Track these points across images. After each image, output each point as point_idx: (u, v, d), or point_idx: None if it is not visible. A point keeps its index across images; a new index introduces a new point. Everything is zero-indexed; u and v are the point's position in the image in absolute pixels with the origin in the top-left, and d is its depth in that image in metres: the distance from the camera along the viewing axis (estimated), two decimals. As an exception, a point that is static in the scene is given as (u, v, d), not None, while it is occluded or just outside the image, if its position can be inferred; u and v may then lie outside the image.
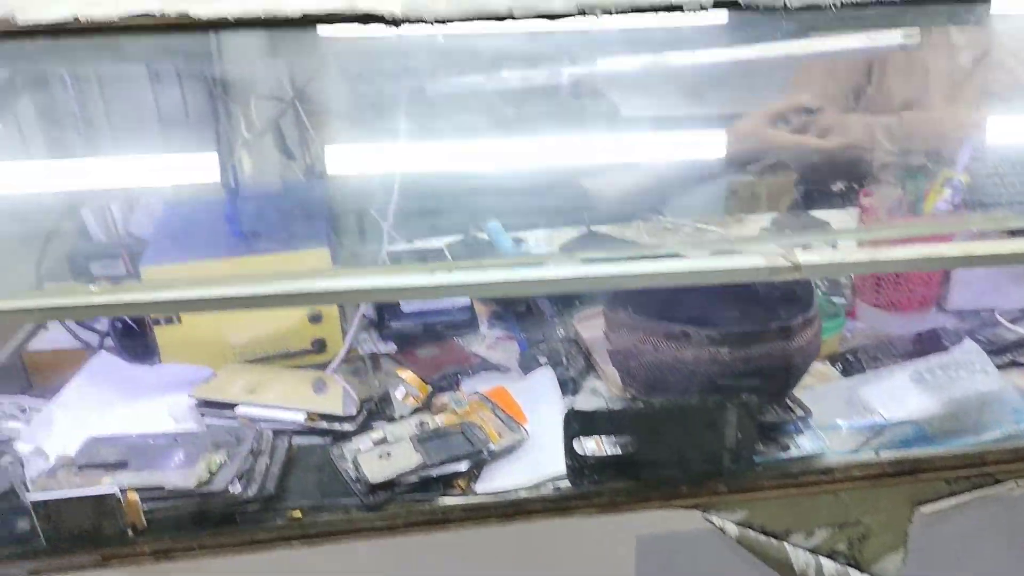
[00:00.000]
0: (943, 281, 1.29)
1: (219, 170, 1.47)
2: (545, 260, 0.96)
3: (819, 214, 1.71)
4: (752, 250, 0.96)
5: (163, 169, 1.39)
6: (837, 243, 1.06)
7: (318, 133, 1.57)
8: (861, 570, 1.02)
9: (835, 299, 1.24)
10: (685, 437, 0.94)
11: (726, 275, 0.92)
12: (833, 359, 1.18)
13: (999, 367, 1.15)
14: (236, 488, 0.95)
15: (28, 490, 0.95)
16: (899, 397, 1.04)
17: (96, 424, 1.08)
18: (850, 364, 1.16)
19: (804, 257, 0.90)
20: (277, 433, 1.06)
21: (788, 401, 1.03)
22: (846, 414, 1.04)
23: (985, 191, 1.21)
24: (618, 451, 1.01)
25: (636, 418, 0.95)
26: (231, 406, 1.11)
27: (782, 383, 1.00)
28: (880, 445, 1.00)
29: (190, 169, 1.43)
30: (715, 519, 0.98)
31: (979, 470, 1.02)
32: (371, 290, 0.95)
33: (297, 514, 0.97)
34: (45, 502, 0.92)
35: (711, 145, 1.59)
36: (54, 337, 1.28)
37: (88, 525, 0.93)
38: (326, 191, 1.50)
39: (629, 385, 1.07)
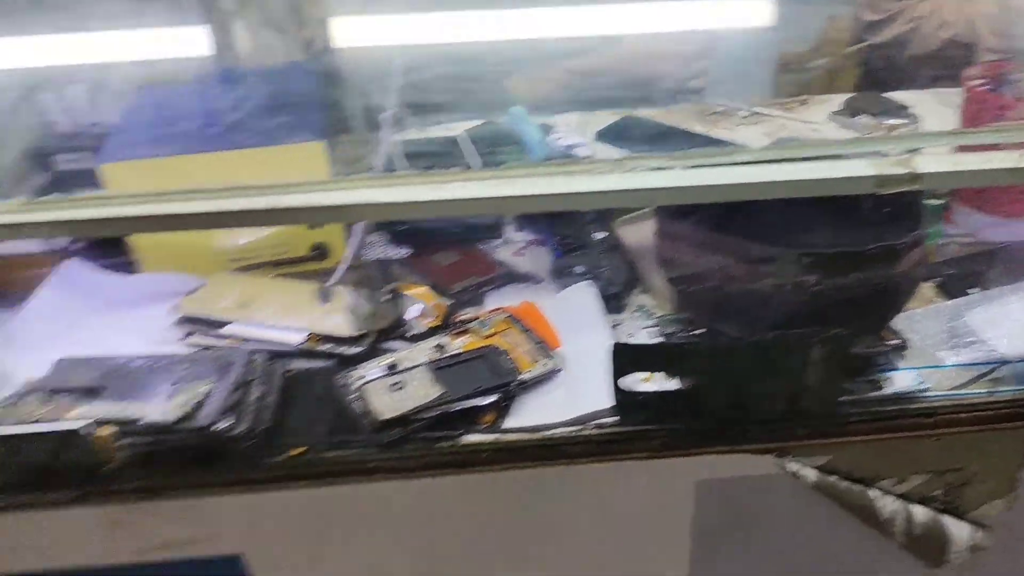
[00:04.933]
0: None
1: (201, 48, 1.27)
2: (585, 168, 0.77)
3: (896, 96, 1.49)
4: (853, 153, 0.76)
5: (138, 45, 1.19)
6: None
7: (316, 5, 1.35)
8: (957, 516, 0.87)
9: (929, 201, 1.03)
10: (758, 375, 0.78)
11: (824, 187, 0.73)
12: (929, 274, 1.00)
13: None
14: (223, 423, 0.81)
15: (-10, 420, 0.82)
16: (1015, 326, 0.86)
17: (67, 341, 0.94)
18: (951, 282, 0.97)
19: (926, 165, 0.70)
20: (272, 357, 0.91)
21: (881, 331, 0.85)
22: (951, 345, 0.87)
23: None
24: (676, 386, 0.85)
25: (699, 355, 0.79)
26: (220, 324, 0.95)
27: (879, 317, 0.82)
28: (993, 384, 0.84)
29: (169, 46, 1.22)
30: (791, 465, 0.83)
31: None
32: (373, 205, 0.77)
33: (297, 452, 0.83)
34: (7, 437, 0.79)
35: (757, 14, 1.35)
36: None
37: (57, 461, 0.80)
38: (325, 72, 1.30)
39: (687, 310, 0.90)
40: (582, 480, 0.84)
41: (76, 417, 0.81)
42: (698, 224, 0.85)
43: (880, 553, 0.88)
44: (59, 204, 0.72)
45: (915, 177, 0.73)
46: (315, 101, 1.12)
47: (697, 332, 0.91)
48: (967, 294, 0.94)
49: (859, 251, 0.76)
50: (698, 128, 1.49)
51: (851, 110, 1.42)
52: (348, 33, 1.32)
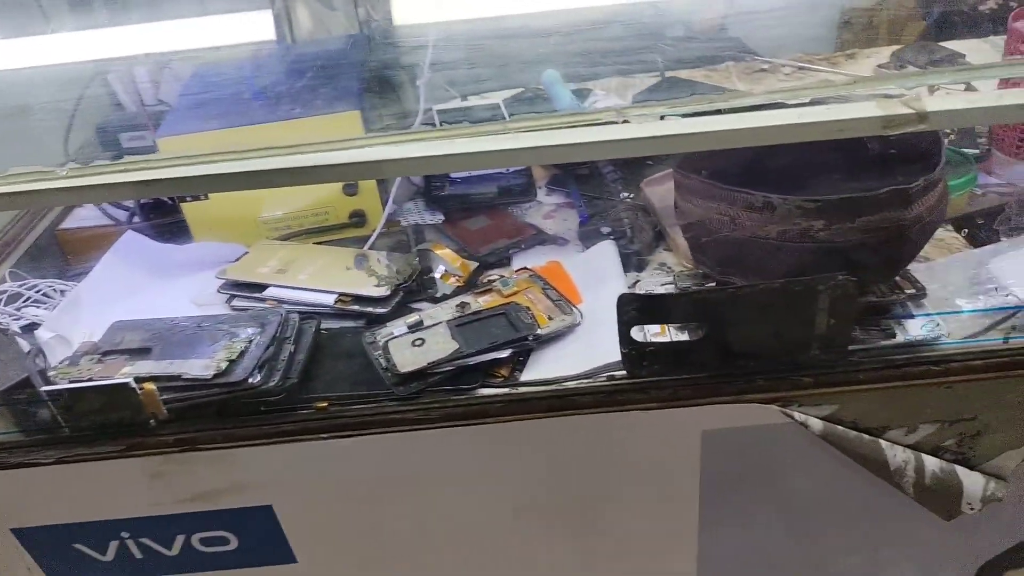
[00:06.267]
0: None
1: (264, 31, 1.33)
2: (607, 117, 0.78)
3: (954, 45, 1.42)
4: (864, 95, 0.75)
5: (193, 31, 1.27)
6: (972, 83, 0.83)
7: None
8: (970, 467, 0.86)
9: (965, 149, 1.00)
10: (763, 323, 0.78)
11: (826, 129, 0.72)
12: (959, 224, 0.97)
13: None
14: (256, 378, 0.87)
15: (50, 379, 0.90)
16: (1040, 271, 0.83)
17: (124, 307, 1.02)
18: (980, 231, 0.94)
19: (933, 104, 0.69)
20: (306, 317, 0.97)
21: (897, 278, 0.84)
22: (970, 293, 0.85)
23: None
24: (684, 337, 0.86)
25: (704, 304, 0.80)
26: (260, 287, 1.02)
27: (892, 262, 0.80)
28: (1010, 331, 0.81)
29: (221, 31, 1.30)
30: (796, 414, 0.83)
31: None
32: (401, 160, 0.80)
33: (322, 405, 0.88)
34: (60, 392, 0.87)
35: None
36: (86, 214, 1.22)
37: (107, 415, 0.87)
38: (365, 47, 1.35)
39: (702, 262, 0.90)
40: (591, 430, 0.86)
41: (125, 375, 0.89)
42: (711, 176, 0.86)
43: (892, 505, 0.87)
44: (111, 168, 0.78)
45: (922, 117, 0.71)
46: (356, 73, 1.17)
47: (710, 285, 0.91)
48: (995, 242, 0.92)
49: (865, 196, 0.75)
50: (739, 86, 1.47)
51: (898, 62, 1.37)
52: (401, 11, 1.37)
